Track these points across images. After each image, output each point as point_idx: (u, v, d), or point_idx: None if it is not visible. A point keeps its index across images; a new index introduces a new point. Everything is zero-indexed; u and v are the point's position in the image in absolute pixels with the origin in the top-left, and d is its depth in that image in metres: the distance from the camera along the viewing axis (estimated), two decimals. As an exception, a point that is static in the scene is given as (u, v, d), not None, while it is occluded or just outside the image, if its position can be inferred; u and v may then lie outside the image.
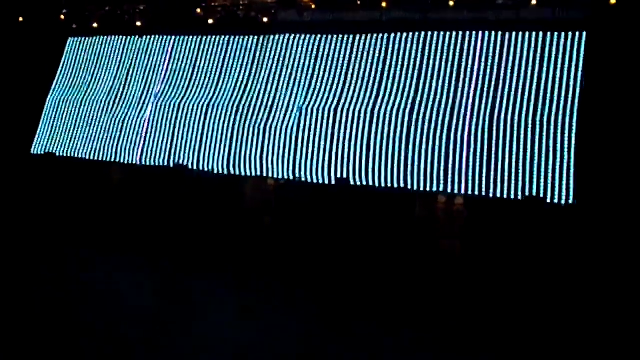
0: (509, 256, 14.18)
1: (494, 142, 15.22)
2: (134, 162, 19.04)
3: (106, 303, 12.80)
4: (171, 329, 11.47)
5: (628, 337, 11.44)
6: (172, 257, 15.40)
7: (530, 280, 13.74)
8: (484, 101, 15.59)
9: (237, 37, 18.75)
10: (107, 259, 15.71)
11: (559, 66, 15.16)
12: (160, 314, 12.26)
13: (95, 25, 20.57)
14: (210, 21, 19.03)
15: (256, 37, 18.55)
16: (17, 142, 20.52)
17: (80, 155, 19.75)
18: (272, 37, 18.38)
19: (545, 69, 15.29)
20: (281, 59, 18.15)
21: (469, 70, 15.96)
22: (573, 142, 14.57)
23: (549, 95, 15.09)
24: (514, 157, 14.93)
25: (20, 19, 21.02)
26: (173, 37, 19.52)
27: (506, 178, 14.90)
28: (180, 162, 18.41)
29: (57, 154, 20.06)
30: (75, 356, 10.31)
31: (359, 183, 16.29)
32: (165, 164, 18.63)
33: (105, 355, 10.40)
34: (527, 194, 14.64)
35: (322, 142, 16.90)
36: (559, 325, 12.17)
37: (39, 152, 20.41)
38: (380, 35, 17.16)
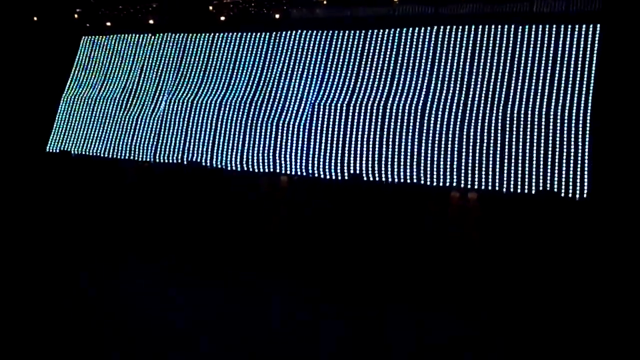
0: (522, 251, 14.09)
1: (507, 136, 15.09)
2: (148, 160, 19.13)
3: (119, 302, 12.90)
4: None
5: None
6: (178, 255, 15.50)
7: (543, 275, 13.64)
8: (497, 95, 15.47)
9: (249, 34, 18.78)
10: (118, 257, 15.82)
11: (572, 59, 15.00)
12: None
13: (108, 24, 20.69)
14: (223, 18, 19.04)
15: (268, 34, 18.57)
16: (33, 140, 20.73)
17: (94, 153, 19.89)
18: (284, 33, 18.38)
19: (559, 62, 15.13)
20: (293, 55, 18.15)
21: (481, 64, 15.84)
22: (587, 136, 14.41)
23: (562, 88, 14.94)
24: (527, 151, 14.79)
25: (35, 18, 21.17)
26: (185, 34, 19.61)
27: (519, 173, 14.77)
28: (194, 159, 18.46)
29: (72, 152, 20.21)
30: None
31: (371, 179, 16.23)
32: (179, 161, 18.68)
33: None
34: (540, 189, 14.50)
35: (335, 139, 16.87)
36: (570, 321, 12.07)
37: (54, 150, 20.58)
38: (392, 30, 17.08)
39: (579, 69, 14.88)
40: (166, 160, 18.86)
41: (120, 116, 19.79)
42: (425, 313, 12.32)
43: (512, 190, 14.82)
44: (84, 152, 20.08)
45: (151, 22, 19.93)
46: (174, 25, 19.86)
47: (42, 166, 20.28)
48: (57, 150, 20.45)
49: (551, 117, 14.76)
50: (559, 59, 15.12)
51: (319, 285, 13.81)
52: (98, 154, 19.83)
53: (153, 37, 20.03)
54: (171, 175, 18.67)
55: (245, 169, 17.78)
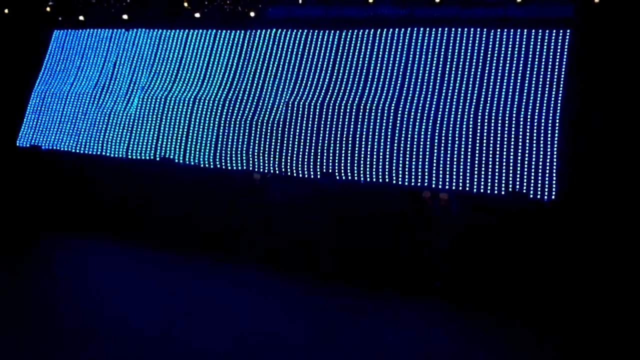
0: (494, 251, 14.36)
1: (478, 138, 15.30)
2: (120, 156, 18.98)
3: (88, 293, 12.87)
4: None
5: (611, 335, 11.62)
6: (155, 249, 15.52)
7: (512, 275, 13.91)
8: (469, 98, 15.68)
9: (224, 32, 18.75)
10: (91, 249, 15.77)
11: (543, 63, 15.27)
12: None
13: (81, 18, 20.46)
14: (197, 15, 18.97)
15: (243, 32, 18.56)
16: (2, 135, 20.44)
17: (66, 148, 19.66)
18: (259, 31, 18.39)
19: (529, 66, 15.39)
20: (268, 53, 18.17)
21: (454, 66, 16.04)
22: (556, 139, 14.68)
23: (533, 92, 15.20)
24: (497, 153, 15.03)
25: (6, 11, 20.85)
26: (159, 30, 19.49)
27: (490, 174, 14.99)
28: (167, 155, 18.38)
29: (43, 147, 19.97)
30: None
31: (344, 178, 16.33)
32: (152, 157, 18.57)
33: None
34: (510, 190, 14.74)
35: (308, 137, 16.93)
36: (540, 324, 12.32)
37: (24, 145, 20.30)
38: (367, 30, 17.20)
39: (549, 73, 15.15)
40: (138, 157, 18.72)
41: (93, 111, 19.59)
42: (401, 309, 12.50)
43: (482, 191, 15.03)
44: (55, 147, 19.85)
45: (125, 17, 19.76)
46: (148, 20, 19.72)
47: (12, 161, 20.02)
48: (28, 145, 20.18)
49: (521, 119, 15.02)
50: (529, 62, 15.39)
51: (288, 279, 13.92)
52: (69, 150, 19.61)
53: (127, 32, 19.88)
54: (144, 170, 18.55)
55: (219, 166, 17.76)
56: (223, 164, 17.68)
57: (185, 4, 19.11)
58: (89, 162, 19.32)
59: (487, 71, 15.72)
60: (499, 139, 15.11)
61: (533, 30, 15.53)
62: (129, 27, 19.90)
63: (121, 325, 11.13)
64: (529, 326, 12.26)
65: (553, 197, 14.42)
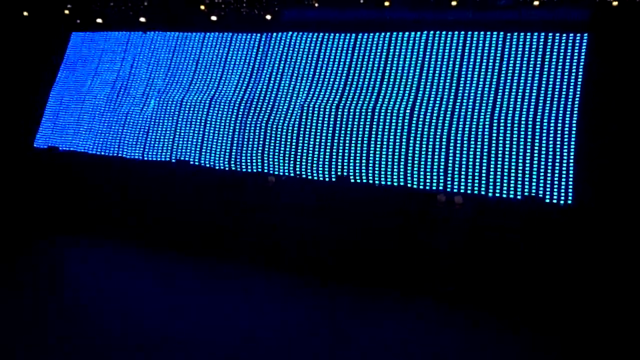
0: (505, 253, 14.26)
1: (494, 141, 15.24)
2: (137, 157, 19.09)
3: (102, 294, 12.93)
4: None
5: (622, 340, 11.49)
6: (166, 252, 15.56)
7: (525, 279, 13.80)
8: (484, 101, 15.63)
9: (240, 35, 18.84)
10: (104, 250, 15.83)
11: (560, 67, 15.19)
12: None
13: (99, 20, 20.63)
14: (214, 18, 19.06)
15: (259, 35, 18.64)
16: (21, 136, 20.63)
17: (82, 150, 19.82)
18: (274, 34, 18.46)
19: (546, 69, 15.32)
20: (284, 56, 18.23)
21: (470, 69, 16.00)
22: (573, 143, 14.59)
23: (549, 96, 15.12)
24: (514, 157, 14.96)
25: (25, 13, 21.07)
26: (176, 33, 19.63)
27: (506, 178, 14.92)
28: (183, 157, 18.46)
29: (60, 148, 20.13)
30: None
31: (359, 181, 16.31)
32: (168, 159, 18.67)
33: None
34: (526, 193, 14.65)
35: (324, 140, 16.95)
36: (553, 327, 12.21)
37: (41, 146, 20.49)
38: (383, 34, 17.21)
39: (566, 76, 15.07)
40: (155, 158, 18.83)
41: (109, 113, 19.76)
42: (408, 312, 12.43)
43: (497, 194, 14.96)
44: (72, 148, 20.01)
45: (142, 19, 19.90)
46: (164, 23, 19.85)
47: (29, 161, 20.18)
48: (45, 146, 20.37)
49: (537, 124, 14.94)
50: (546, 66, 15.31)
51: (301, 281, 13.89)
52: (86, 150, 19.77)
53: (144, 35, 20.02)
54: (159, 172, 18.62)
55: (234, 168, 17.81)
56: (238, 166, 17.72)
57: (202, 7, 19.20)
58: (105, 163, 19.43)
59: (503, 74, 15.67)
60: (515, 142, 15.05)
61: (550, 34, 15.47)
62: (146, 30, 20.05)
63: (122, 326, 11.14)
64: (538, 330, 12.17)
65: (569, 201, 14.31)
